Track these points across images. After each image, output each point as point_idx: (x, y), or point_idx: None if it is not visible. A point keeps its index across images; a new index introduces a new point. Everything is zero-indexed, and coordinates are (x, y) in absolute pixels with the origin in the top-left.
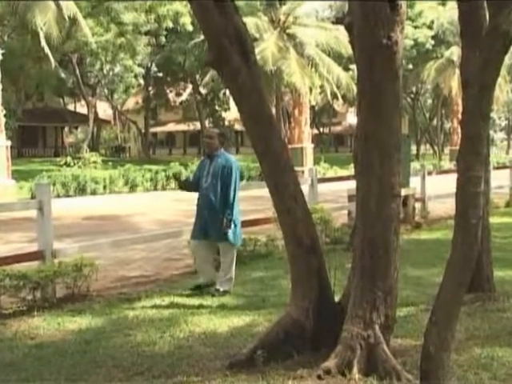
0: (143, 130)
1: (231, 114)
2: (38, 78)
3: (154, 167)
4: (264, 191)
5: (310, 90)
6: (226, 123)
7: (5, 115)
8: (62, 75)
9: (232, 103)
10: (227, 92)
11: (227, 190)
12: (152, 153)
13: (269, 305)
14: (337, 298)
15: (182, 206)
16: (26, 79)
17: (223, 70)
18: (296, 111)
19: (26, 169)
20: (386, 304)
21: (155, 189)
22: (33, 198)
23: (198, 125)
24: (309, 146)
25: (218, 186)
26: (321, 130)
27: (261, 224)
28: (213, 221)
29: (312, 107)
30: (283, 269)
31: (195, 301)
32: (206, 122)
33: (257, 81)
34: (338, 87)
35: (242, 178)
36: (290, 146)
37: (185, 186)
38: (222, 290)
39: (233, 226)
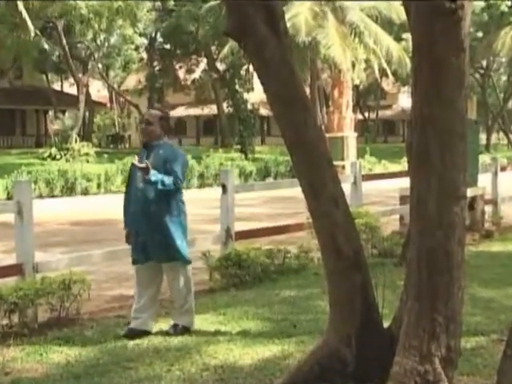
0: None
1: (255, 95)
2: (15, 50)
3: None
4: (295, 191)
5: (353, 65)
6: (249, 106)
7: None
8: (45, 46)
9: (256, 82)
10: (250, 68)
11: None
12: None
13: (301, 331)
14: (386, 324)
15: (195, 208)
16: (0, 51)
17: (246, 41)
18: (335, 92)
19: (1, 162)
20: (448, 332)
21: None
22: (9, 198)
23: (213, 108)
24: (351, 135)
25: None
26: (366, 115)
27: (291, 231)
28: (153, 233)
29: (355, 87)
30: (319, 287)
31: (211, 326)
32: (224, 105)
33: (287, 54)
34: (387, 62)
35: (268, 174)
36: (327, 135)
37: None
38: (180, 325)
39: (178, 238)
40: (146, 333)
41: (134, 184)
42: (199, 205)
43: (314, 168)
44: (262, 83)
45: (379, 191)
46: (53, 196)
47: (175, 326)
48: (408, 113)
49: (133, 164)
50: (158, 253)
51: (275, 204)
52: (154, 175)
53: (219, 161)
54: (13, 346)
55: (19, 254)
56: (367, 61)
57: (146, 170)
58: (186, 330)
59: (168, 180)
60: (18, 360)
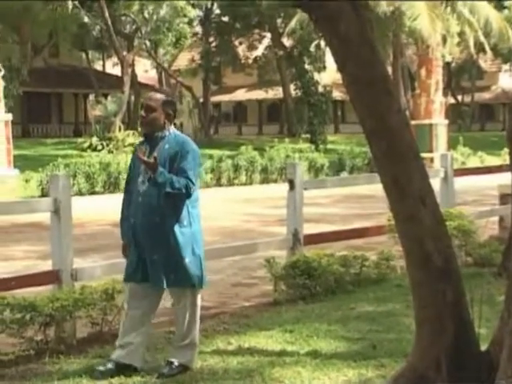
0: (201, 99)
1: (328, 75)
2: (50, 25)
3: (217, 152)
4: (375, 188)
5: (444, 39)
6: (320, 89)
7: (3, 77)
8: (85, 20)
9: (329, 60)
10: (322, 44)
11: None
12: (214, 132)
13: (382, 353)
14: (483, 346)
15: (256, 208)
16: (34, 26)
17: (318, 13)
18: (423, 71)
19: (35, 154)
20: None
21: (218, 184)
22: (44, 195)
23: (279, 91)
24: (441, 123)
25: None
26: (459, 98)
27: (370, 235)
28: (155, 249)
29: (446, 65)
30: (403, 301)
31: (276, 345)
32: (291, 88)
33: (366, 28)
34: (485, 35)
35: (342, 168)
36: (413, 122)
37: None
38: (177, 363)
39: (187, 255)
40: (131, 368)
41: (134, 186)
42: (262, 203)
43: (397, 161)
44: (337, 62)
45: (474, 189)
46: (93, 193)
47: (170, 363)
48: (510, 95)
49: (136, 157)
50: (157, 275)
51: (351, 203)
52: (162, 175)
53: (285, 152)
54: (48, 365)
55: (55, 259)
56: (461, 34)
57: (152, 167)
58: (183, 370)
59: (178, 182)
60: (54, 381)
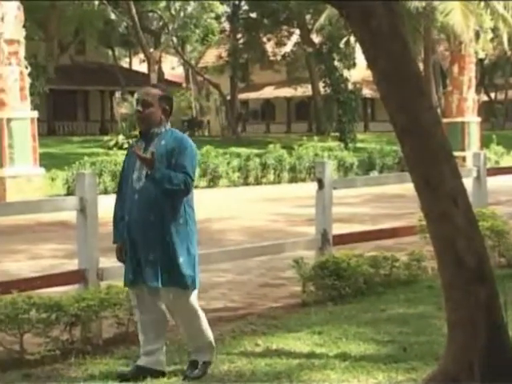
0: (228, 97)
1: (357, 72)
2: (77, 21)
3: (245, 151)
4: (406, 187)
5: (477, 35)
6: (350, 86)
7: (29, 74)
8: (112, 16)
9: (359, 57)
10: (352, 40)
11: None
12: (241, 130)
13: (412, 356)
14: None
15: (284, 207)
16: (60, 22)
17: (348, 8)
18: (455, 68)
19: (60, 152)
20: None
21: (246, 183)
22: (70, 193)
23: (307, 88)
24: (473, 120)
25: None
26: (492, 95)
27: (400, 236)
28: (150, 248)
29: (479, 61)
30: (434, 303)
31: (304, 347)
32: (320, 85)
33: (398, 23)
34: None
35: (372, 167)
36: (445, 120)
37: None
38: (201, 361)
39: (181, 254)
40: (159, 373)
41: (128, 183)
42: (290, 203)
43: (429, 160)
44: (367, 58)
45: (508, 188)
46: None
47: (193, 361)
48: None
49: (132, 152)
50: (152, 275)
51: (381, 203)
52: (159, 171)
53: (314, 151)
54: (74, 366)
55: (81, 258)
56: (494, 29)
57: (150, 163)
58: (207, 366)
59: (177, 178)
60: (80, 381)
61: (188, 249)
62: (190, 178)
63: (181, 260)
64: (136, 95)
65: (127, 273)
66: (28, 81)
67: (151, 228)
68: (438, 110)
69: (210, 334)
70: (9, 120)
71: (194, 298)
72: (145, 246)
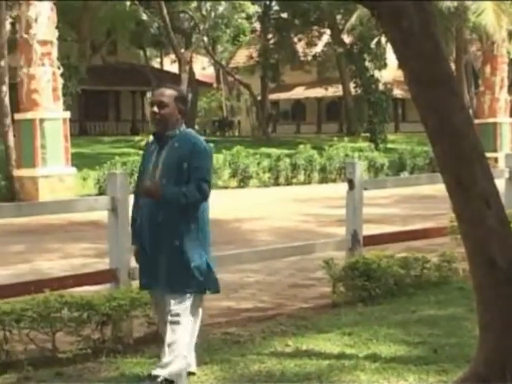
0: (259, 97)
1: (388, 73)
2: (108, 22)
3: (275, 151)
4: (437, 188)
5: (510, 35)
6: (381, 87)
7: (62, 75)
8: (143, 17)
9: (390, 57)
10: (383, 41)
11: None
12: (272, 130)
13: (443, 357)
14: None
15: (314, 208)
16: (93, 23)
17: (380, 8)
18: (487, 68)
19: (92, 152)
20: None
21: (276, 183)
22: (101, 193)
23: (338, 89)
24: (506, 121)
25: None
26: None
27: (431, 237)
28: (160, 249)
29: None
30: (465, 305)
31: (334, 348)
32: (351, 85)
33: (430, 23)
34: None
35: (402, 168)
36: (476, 121)
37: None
38: (162, 377)
39: (197, 258)
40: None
41: (140, 186)
42: (320, 203)
43: (461, 161)
44: (399, 58)
45: None
46: None
47: (154, 377)
48: None
49: (144, 162)
50: (163, 278)
51: (411, 204)
52: (168, 192)
53: (344, 151)
54: (105, 364)
55: (113, 258)
56: None
57: (156, 193)
58: None
59: (189, 191)
60: (112, 381)
61: (200, 254)
62: (205, 182)
63: (191, 265)
64: (151, 96)
65: (140, 276)
66: (60, 81)
67: (161, 231)
68: (470, 111)
69: (187, 352)
70: (41, 120)
71: (194, 306)
72: (155, 249)
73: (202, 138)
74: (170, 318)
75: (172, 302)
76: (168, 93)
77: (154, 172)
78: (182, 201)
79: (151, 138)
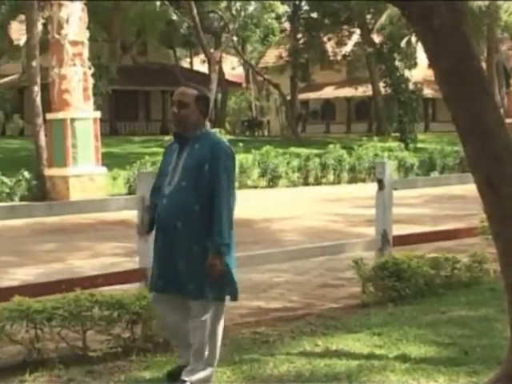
0: (288, 97)
1: (418, 72)
2: (139, 22)
3: (304, 151)
4: (467, 188)
5: None
6: (411, 86)
7: (93, 75)
8: (173, 17)
9: (420, 56)
10: (413, 40)
11: (213, 199)
12: (301, 130)
13: (474, 359)
14: None
15: (344, 208)
16: (123, 23)
17: (410, 7)
18: None
19: (122, 151)
20: None
21: (306, 183)
22: (131, 193)
23: (368, 88)
24: None
25: (194, 190)
26: None
27: (461, 237)
28: (179, 254)
29: None
30: (496, 305)
31: (363, 348)
32: (381, 85)
33: (461, 22)
34: None
35: (432, 167)
36: (508, 121)
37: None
38: (188, 382)
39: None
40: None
41: (161, 186)
42: (349, 203)
43: (492, 161)
44: (429, 58)
45: None
46: None
47: (183, 382)
48: None
49: (164, 162)
50: (181, 284)
51: (441, 204)
52: (225, 245)
53: (374, 151)
54: (135, 363)
55: (142, 257)
56: None
57: (220, 266)
58: None
59: (225, 205)
60: (142, 382)
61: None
62: (228, 189)
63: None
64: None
65: (152, 279)
66: (91, 81)
67: (179, 235)
68: (501, 110)
69: (216, 358)
70: (72, 120)
71: (217, 312)
72: (174, 253)
73: (224, 139)
74: (194, 323)
75: (195, 307)
76: (189, 92)
77: (173, 174)
78: (230, 217)
79: (166, 143)
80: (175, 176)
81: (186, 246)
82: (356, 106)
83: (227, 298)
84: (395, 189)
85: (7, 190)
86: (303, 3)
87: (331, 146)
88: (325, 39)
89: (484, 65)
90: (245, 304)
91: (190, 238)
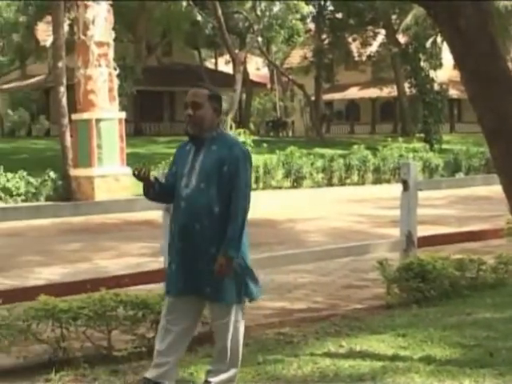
0: (313, 98)
1: (444, 73)
2: (164, 23)
3: (329, 151)
4: (493, 189)
5: None
6: (436, 87)
7: (118, 76)
8: (198, 18)
9: (446, 57)
10: (438, 40)
11: (231, 201)
12: (326, 130)
13: (499, 361)
14: None
15: (368, 209)
16: (148, 24)
17: (436, 8)
18: None
19: (147, 152)
20: None
21: (330, 183)
22: None
23: (393, 89)
24: None
25: (214, 192)
26: None
27: (487, 238)
28: (197, 256)
29: None
30: None
31: (388, 349)
32: (406, 85)
33: (487, 22)
34: None
35: (458, 168)
36: None
37: (153, 191)
38: (212, 383)
39: (236, 266)
40: None
41: (177, 189)
42: (373, 204)
43: None
44: (455, 58)
45: None
46: None
47: (207, 383)
48: None
49: (176, 162)
50: (200, 286)
51: (467, 205)
52: (236, 250)
53: (399, 152)
54: None
55: (167, 257)
56: None
57: (230, 270)
58: None
59: (240, 207)
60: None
61: (238, 262)
62: (247, 187)
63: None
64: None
65: (168, 281)
66: (116, 82)
67: (197, 237)
68: None
69: (239, 359)
70: (98, 120)
71: (238, 314)
72: (192, 255)
73: (240, 140)
74: (216, 325)
75: (215, 309)
76: (201, 93)
77: (190, 176)
78: (244, 220)
79: (181, 143)
80: (192, 178)
81: (206, 247)
82: (381, 106)
83: (246, 299)
84: (420, 190)
85: (33, 190)
86: (328, 3)
87: (356, 146)
88: (350, 39)
89: (510, 65)
90: (269, 305)
91: (210, 239)
